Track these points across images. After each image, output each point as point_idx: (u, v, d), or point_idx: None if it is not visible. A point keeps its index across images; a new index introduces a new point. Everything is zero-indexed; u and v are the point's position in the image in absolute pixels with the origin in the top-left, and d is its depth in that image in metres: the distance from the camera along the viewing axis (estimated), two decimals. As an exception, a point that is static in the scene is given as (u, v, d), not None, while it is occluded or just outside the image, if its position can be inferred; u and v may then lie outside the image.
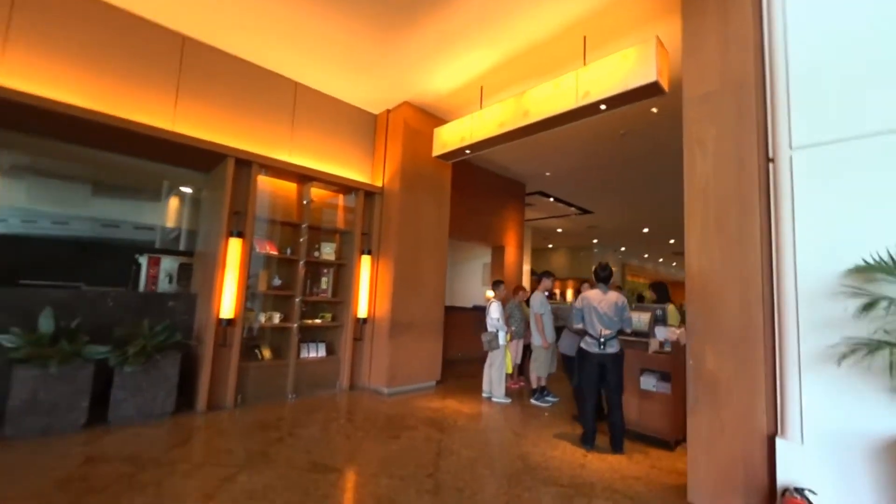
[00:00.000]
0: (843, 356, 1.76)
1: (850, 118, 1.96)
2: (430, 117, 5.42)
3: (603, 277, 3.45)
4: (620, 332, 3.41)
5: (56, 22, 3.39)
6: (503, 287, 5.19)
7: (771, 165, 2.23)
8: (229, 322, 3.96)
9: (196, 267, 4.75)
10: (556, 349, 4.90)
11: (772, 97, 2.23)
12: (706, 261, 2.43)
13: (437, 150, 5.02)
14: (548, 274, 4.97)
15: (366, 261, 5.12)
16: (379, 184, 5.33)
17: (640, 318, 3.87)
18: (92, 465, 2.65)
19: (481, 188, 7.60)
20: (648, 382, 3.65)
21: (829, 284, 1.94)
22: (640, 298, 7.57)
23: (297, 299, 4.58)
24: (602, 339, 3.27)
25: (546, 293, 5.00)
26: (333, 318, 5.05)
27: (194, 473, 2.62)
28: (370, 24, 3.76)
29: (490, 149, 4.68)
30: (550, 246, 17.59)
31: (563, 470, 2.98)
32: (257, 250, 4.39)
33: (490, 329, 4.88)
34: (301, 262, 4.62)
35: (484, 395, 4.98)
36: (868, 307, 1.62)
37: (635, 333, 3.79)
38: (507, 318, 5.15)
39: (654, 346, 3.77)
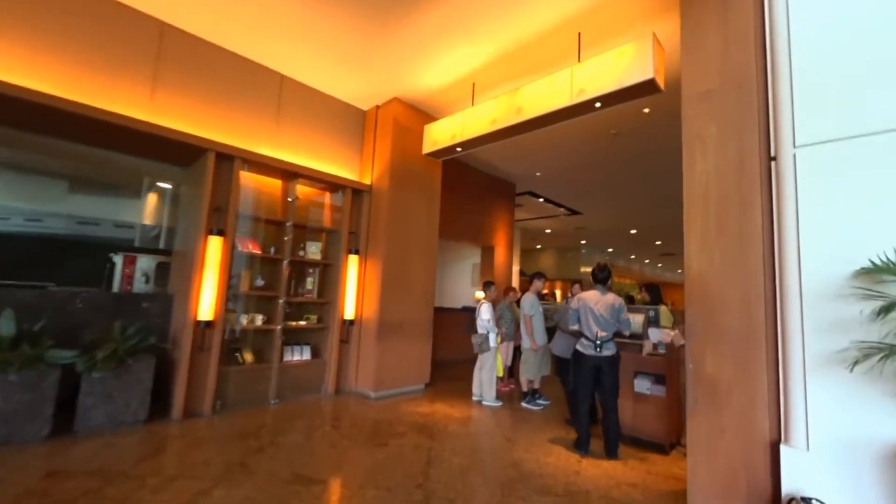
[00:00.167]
0: (856, 361, 1.70)
1: (856, 115, 1.92)
2: (420, 114, 5.29)
3: (601, 278, 3.37)
4: (618, 334, 3.34)
5: (21, 3, 3.16)
6: (494, 288, 5.10)
7: (773, 164, 2.17)
8: (208, 324, 3.76)
9: (174, 266, 4.52)
10: (549, 351, 4.82)
11: (774, 94, 2.18)
12: (706, 261, 2.37)
13: (428, 147, 4.90)
14: (539, 275, 4.90)
15: (353, 260, 4.96)
16: (367, 181, 5.18)
17: (634, 320, 3.81)
18: (54, 479, 2.45)
19: (471, 187, 7.50)
20: (643, 385, 3.59)
21: (835, 286, 1.89)
22: (630, 300, 7.56)
23: (281, 300, 4.39)
24: (598, 342, 3.19)
25: (537, 294, 4.91)
26: (319, 320, 4.87)
27: (166, 487, 2.43)
28: (360, 16, 3.62)
29: (481, 147, 4.58)
30: (539, 247, 17.63)
31: (557, 477, 2.89)
32: (239, 249, 4.19)
33: (480, 331, 4.78)
34: (285, 262, 4.44)
35: (474, 398, 4.87)
36: (886, 310, 1.55)
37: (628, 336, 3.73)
38: (498, 320, 5.06)
39: (647, 348, 3.72)
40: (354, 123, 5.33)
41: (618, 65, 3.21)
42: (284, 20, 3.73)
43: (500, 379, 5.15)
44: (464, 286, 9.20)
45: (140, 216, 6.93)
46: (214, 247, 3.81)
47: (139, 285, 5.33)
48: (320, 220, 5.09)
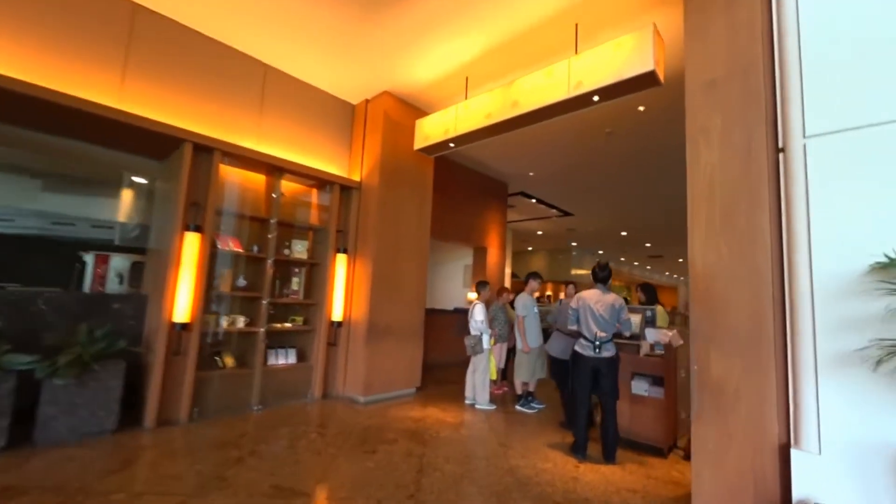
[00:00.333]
0: (879, 360, 1.61)
1: (871, 103, 1.83)
2: (412, 109, 5.14)
3: (602, 277, 3.25)
4: (617, 335, 3.23)
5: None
6: (488, 288, 4.96)
7: (781, 156, 2.08)
8: (184, 326, 3.53)
9: (148, 265, 4.27)
10: (544, 353, 4.71)
11: (782, 83, 2.09)
12: (712, 257, 2.27)
13: (419, 142, 4.75)
14: (535, 275, 4.78)
15: (341, 260, 4.77)
16: (356, 178, 5.00)
17: (631, 320, 3.71)
18: (8, 496, 2.21)
19: (463, 187, 7.37)
20: (640, 387, 3.49)
21: (849, 282, 1.80)
22: (625, 301, 7.48)
23: (265, 301, 4.18)
24: (597, 342, 3.07)
25: (532, 295, 4.79)
26: (305, 322, 4.67)
27: (132, 506, 2.22)
28: (347, 3, 3.46)
29: (475, 143, 4.45)
30: (530, 249, 17.62)
31: (555, 485, 2.76)
32: (219, 247, 3.97)
33: (473, 332, 4.63)
34: (269, 261, 4.23)
35: (467, 401, 4.72)
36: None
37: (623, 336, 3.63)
38: (491, 321, 4.93)
39: (645, 348, 3.63)
40: (343, 118, 5.14)
41: (617, 56, 3.11)
42: (266, 4, 3.54)
43: (493, 382, 5.02)
44: (456, 287, 9.06)
45: (120, 215, 6.61)
46: (191, 244, 3.58)
47: (112, 286, 5.03)
48: (307, 218, 4.89)
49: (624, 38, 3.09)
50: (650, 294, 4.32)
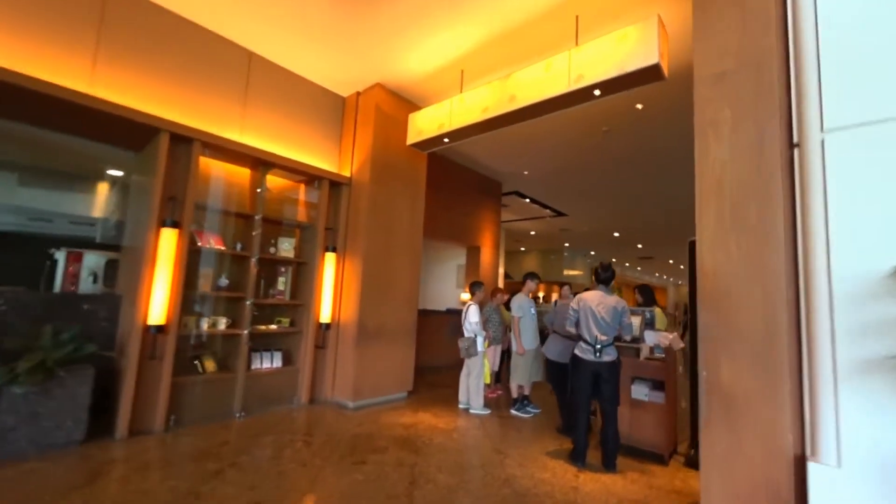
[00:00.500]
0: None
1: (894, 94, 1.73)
2: (405, 103, 4.97)
3: (604, 279, 3.13)
4: (618, 338, 3.10)
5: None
6: (483, 289, 4.82)
7: (796, 151, 1.98)
8: (160, 329, 3.30)
9: (123, 264, 4.02)
10: (541, 356, 4.58)
11: (797, 73, 1.98)
12: (721, 257, 2.15)
13: (413, 137, 4.58)
14: (533, 275, 4.64)
15: (330, 259, 4.57)
16: (346, 173, 4.81)
17: (633, 324, 3.60)
18: (-50, 521, 1.99)
19: (456, 185, 7.22)
20: (640, 391, 3.38)
21: (872, 284, 1.69)
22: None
23: (248, 302, 3.96)
24: (598, 346, 2.95)
25: (529, 295, 4.66)
26: (291, 324, 4.46)
27: (94, 528, 2.01)
28: (338, -14, 3.28)
29: (470, 138, 4.30)
30: (522, 249, 17.55)
31: (555, 496, 2.62)
32: (199, 244, 3.75)
33: (468, 334, 4.48)
34: (253, 260, 4.02)
35: (461, 405, 4.57)
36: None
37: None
38: (485, 323, 4.79)
39: (645, 351, 3.52)
40: (333, 110, 4.95)
41: (619, 49, 2.99)
42: (253, -11, 3.34)
43: (486, 385, 4.87)
44: (448, 287, 8.90)
45: (100, 212, 6.29)
46: (168, 241, 3.35)
47: (86, 285, 4.76)
48: (294, 215, 4.68)
49: (627, 29, 2.97)
50: (648, 295, 4.23)
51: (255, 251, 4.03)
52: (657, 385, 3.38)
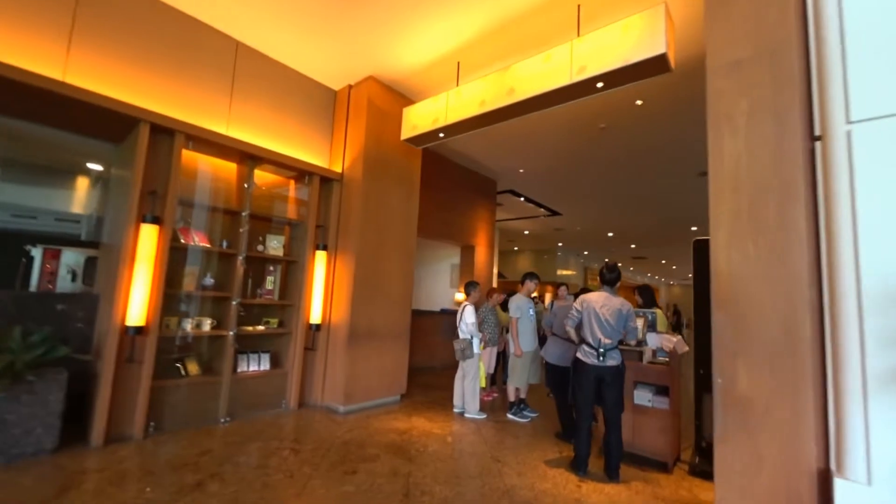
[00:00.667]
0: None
1: (929, 82, 1.61)
2: (398, 97, 4.81)
3: (609, 279, 2.99)
4: (621, 341, 2.97)
5: None
6: (478, 289, 4.67)
7: (818, 144, 1.85)
8: (139, 330, 3.11)
9: (101, 262, 3.82)
10: (539, 358, 4.45)
11: (819, 61, 1.86)
12: (738, 257, 2.02)
13: (407, 132, 4.42)
14: (532, 276, 4.50)
15: (321, 257, 4.40)
16: (338, 169, 4.63)
17: (637, 328, 3.47)
18: None
19: (451, 183, 7.07)
20: (643, 397, 3.26)
21: (907, 287, 1.57)
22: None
23: (235, 302, 3.78)
24: (601, 350, 2.81)
25: (528, 296, 4.52)
26: (280, 325, 4.28)
27: (56, 552, 1.83)
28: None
29: (466, 133, 4.15)
30: (516, 248, 17.45)
31: (557, 509, 2.48)
32: (182, 241, 3.56)
33: (463, 335, 4.33)
34: (240, 258, 3.83)
35: (456, 410, 4.42)
36: None
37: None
38: (480, 324, 4.65)
39: (648, 355, 3.39)
40: (324, 104, 4.76)
41: (624, 39, 2.86)
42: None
43: (482, 388, 4.73)
44: (442, 287, 8.75)
45: (86, 207, 6.05)
46: (148, 237, 3.16)
47: (65, 284, 4.54)
48: (283, 212, 4.49)
49: (632, 17, 2.84)
50: (649, 297, 4.12)
51: (242, 249, 3.84)
52: (661, 390, 3.26)
